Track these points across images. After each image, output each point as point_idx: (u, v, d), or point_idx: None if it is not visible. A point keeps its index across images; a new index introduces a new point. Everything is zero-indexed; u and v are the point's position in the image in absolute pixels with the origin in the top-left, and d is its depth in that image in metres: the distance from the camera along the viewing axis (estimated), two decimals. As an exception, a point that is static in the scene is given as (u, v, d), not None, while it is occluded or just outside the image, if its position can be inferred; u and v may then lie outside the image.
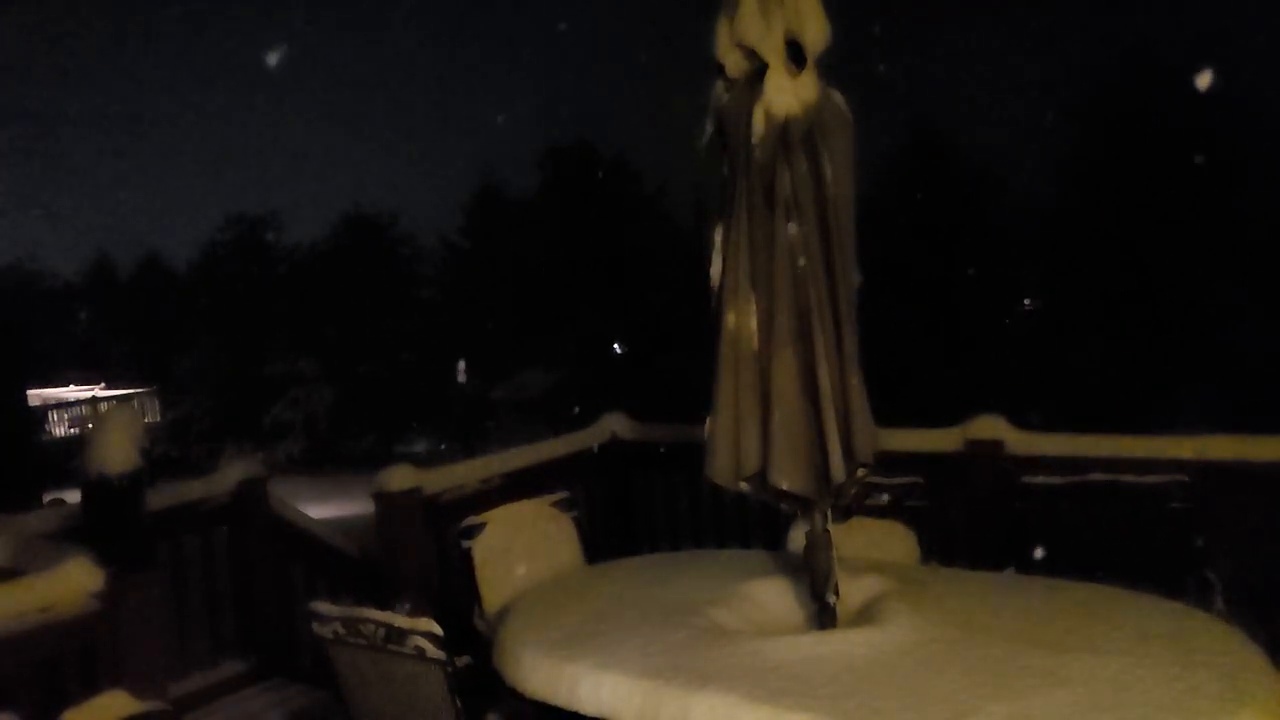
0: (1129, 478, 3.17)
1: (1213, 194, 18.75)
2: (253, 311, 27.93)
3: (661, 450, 4.83)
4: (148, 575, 2.87)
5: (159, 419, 25.09)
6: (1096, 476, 3.25)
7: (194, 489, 4.38)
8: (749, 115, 2.52)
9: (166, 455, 22.56)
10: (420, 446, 25.12)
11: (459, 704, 2.07)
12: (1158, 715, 1.84)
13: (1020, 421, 3.91)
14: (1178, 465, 3.29)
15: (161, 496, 4.07)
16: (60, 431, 22.26)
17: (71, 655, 2.68)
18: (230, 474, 4.47)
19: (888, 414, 2.66)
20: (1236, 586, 3.10)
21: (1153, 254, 19.13)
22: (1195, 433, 3.57)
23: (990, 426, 3.87)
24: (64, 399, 24.59)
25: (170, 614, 4.06)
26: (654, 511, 5.03)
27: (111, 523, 2.79)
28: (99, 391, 25.99)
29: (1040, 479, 3.34)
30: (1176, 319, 18.60)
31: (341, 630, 2.28)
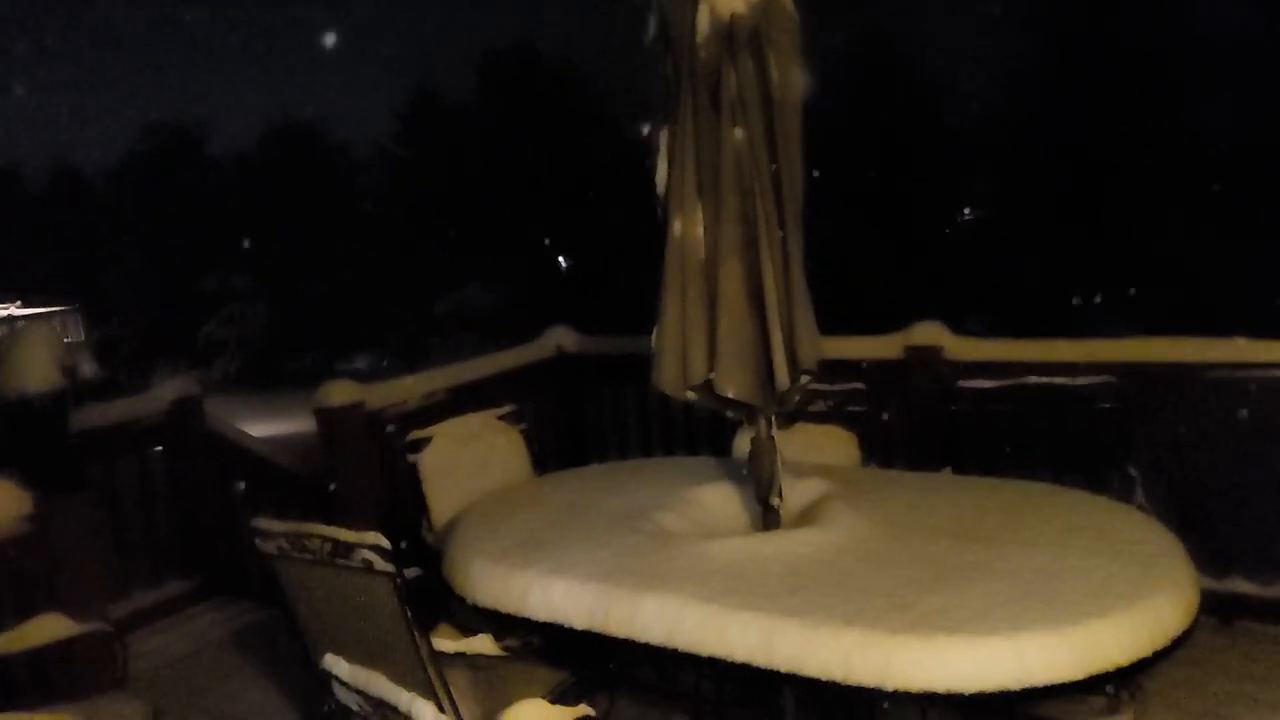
0: (1060, 380, 3.28)
1: (1156, 105, 19.02)
2: (180, 225, 26.79)
3: (602, 357, 4.82)
4: (78, 496, 2.79)
5: (83, 338, 24.20)
6: (1030, 380, 3.35)
7: (125, 408, 4.25)
8: (693, 13, 2.42)
9: (94, 375, 21.86)
10: (362, 363, 24.78)
11: (409, 615, 2.08)
12: (1083, 601, 1.94)
13: (958, 328, 3.99)
14: (1106, 368, 3.40)
15: (90, 417, 3.94)
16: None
17: (2, 579, 2.62)
18: (163, 393, 4.35)
19: (831, 322, 2.68)
20: (1155, 480, 3.27)
21: (1093, 163, 19.46)
22: (1124, 337, 3.69)
23: (929, 333, 3.94)
24: (-23, 318, 23.48)
25: (108, 535, 3.99)
26: (602, 423, 5.06)
27: (35, 444, 2.69)
28: (15, 310, 24.87)
29: (976, 383, 3.43)
30: (1114, 228, 19.08)
31: (287, 545, 2.26)
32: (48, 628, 2.49)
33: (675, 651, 2.11)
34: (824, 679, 1.92)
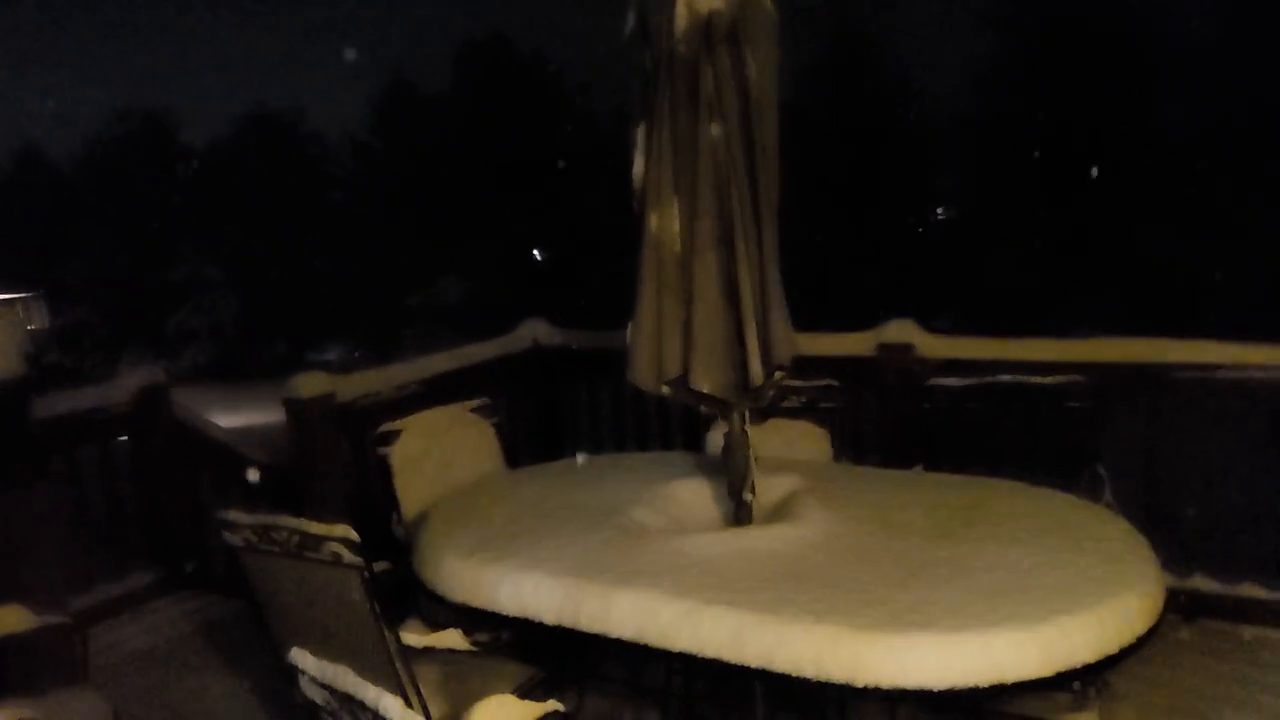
0: (1030, 379, 3.31)
1: (1128, 104, 19.27)
2: (150, 213, 26.35)
3: (577, 352, 4.81)
4: (39, 486, 2.73)
5: (46, 325, 23.71)
6: (1000, 378, 3.37)
7: (89, 397, 4.17)
8: (671, 9, 2.41)
9: (58, 364, 21.42)
10: (333, 354, 24.52)
11: (377, 609, 2.06)
12: (1052, 597, 1.96)
13: (930, 326, 4.02)
14: (1075, 367, 3.44)
15: (52, 405, 3.86)
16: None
17: (-40, 571, 2.56)
18: (129, 381, 4.27)
19: (804, 318, 2.68)
20: (1122, 479, 3.31)
21: (1065, 163, 19.70)
22: (1094, 336, 3.74)
23: (902, 331, 3.97)
24: (-64, 304, 22.95)
25: (70, 526, 3.90)
26: (576, 417, 5.05)
27: (-5, 433, 2.63)
28: (-25, 296, 24.32)
29: (947, 381, 3.45)
30: (1084, 228, 19.34)
31: (254, 538, 2.22)
32: (6, 620, 2.44)
33: (647, 647, 2.10)
34: (795, 675, 1.92)
